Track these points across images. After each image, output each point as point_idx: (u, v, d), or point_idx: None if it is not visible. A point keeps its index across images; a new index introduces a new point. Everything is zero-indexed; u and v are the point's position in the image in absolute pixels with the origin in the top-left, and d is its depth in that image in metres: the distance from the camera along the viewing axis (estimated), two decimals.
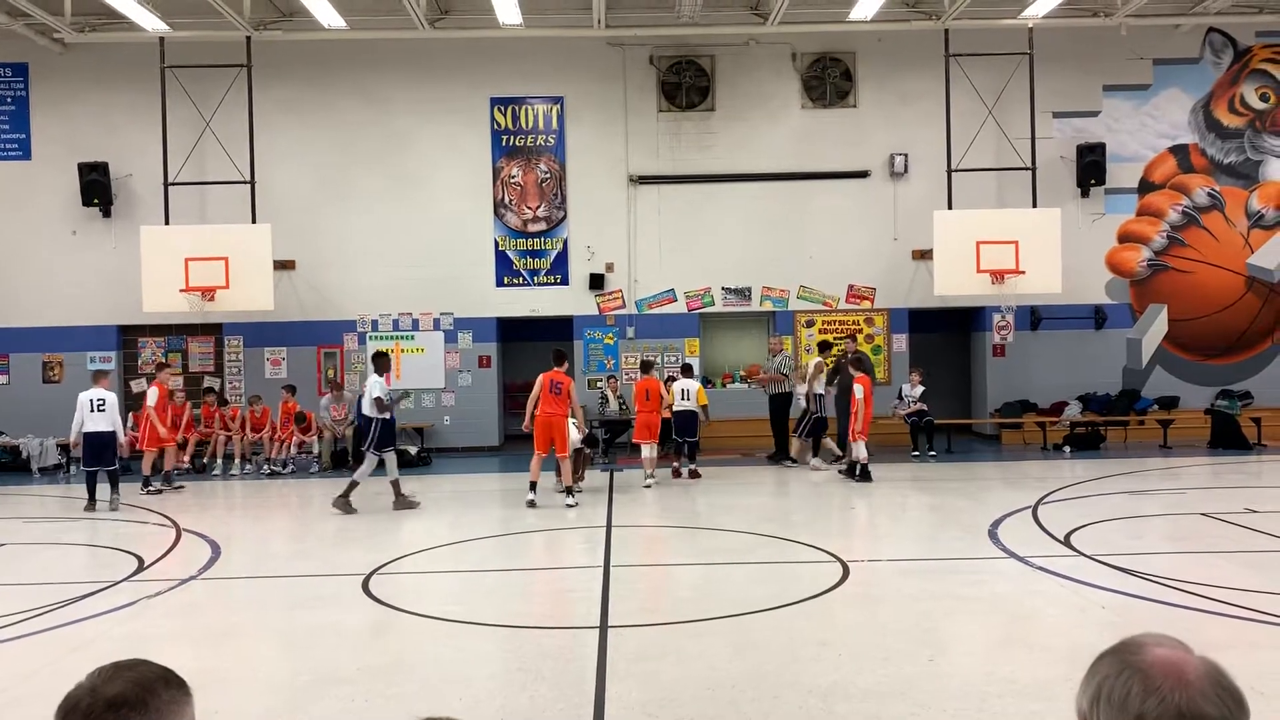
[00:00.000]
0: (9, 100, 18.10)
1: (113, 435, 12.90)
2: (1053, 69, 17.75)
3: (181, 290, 16.06)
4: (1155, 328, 18.50)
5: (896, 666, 5.96)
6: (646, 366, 14.92)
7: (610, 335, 18.46)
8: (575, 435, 12.76)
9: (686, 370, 15.56)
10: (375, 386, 12.25)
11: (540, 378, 12.40)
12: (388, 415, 12.35)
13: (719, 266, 18.37)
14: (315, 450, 16.67)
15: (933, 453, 16.32)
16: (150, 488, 13.98)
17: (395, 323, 18.35)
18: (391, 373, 13.98)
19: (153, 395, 14.47)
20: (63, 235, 18.02)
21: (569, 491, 12.31)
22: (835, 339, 17.55)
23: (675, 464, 14.66)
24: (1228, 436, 16.84)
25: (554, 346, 13.56)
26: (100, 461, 12.77)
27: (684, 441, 14.57)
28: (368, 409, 12.32)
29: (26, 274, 17.97)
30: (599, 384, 17.75)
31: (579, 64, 18.17)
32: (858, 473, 13.66)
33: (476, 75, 18.14)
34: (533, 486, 12.17)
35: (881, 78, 18.33)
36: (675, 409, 14.55)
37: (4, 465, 17.02)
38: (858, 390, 13.85)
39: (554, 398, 12.22)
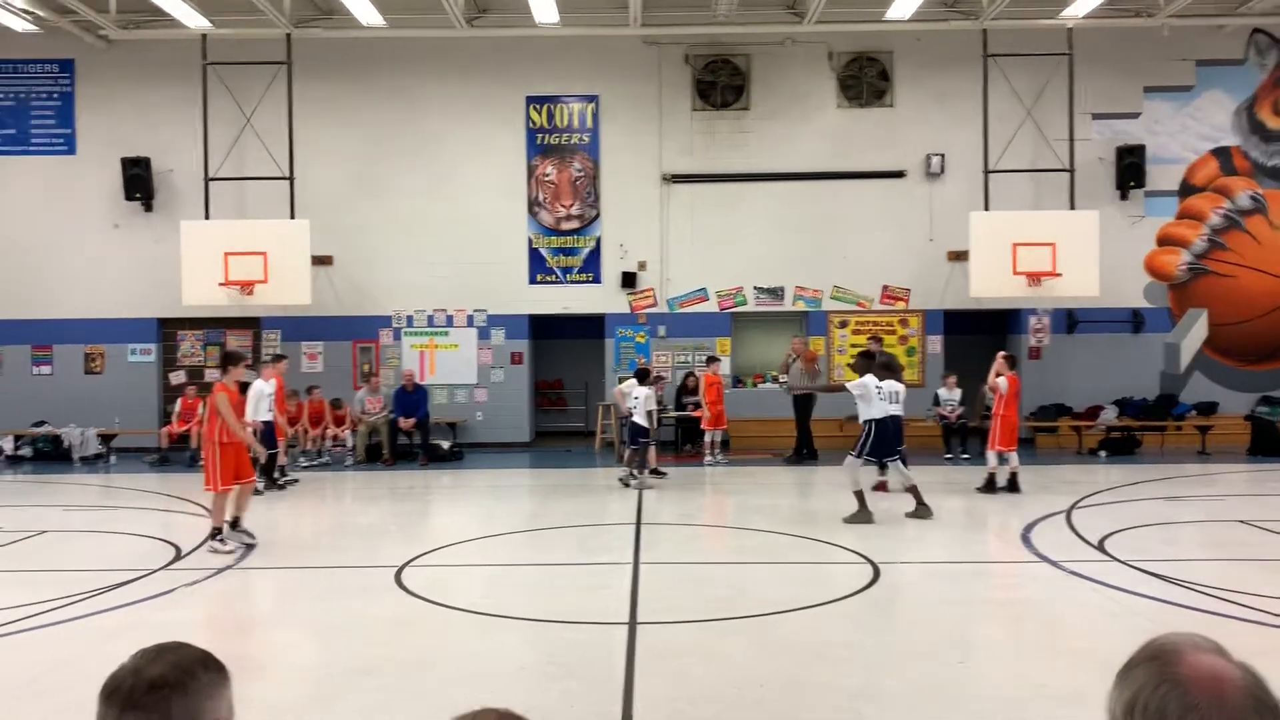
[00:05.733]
0: (55, 96, 18.42)
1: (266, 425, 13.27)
2: (1093, 70, 17.55)
3: (221, 284, 16.26)
4: (1195, 332, 18.24)
5: (926, 669, 5.93)
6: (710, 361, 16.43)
7: (641, 334, 18.47)
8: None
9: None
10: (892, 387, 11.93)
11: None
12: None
13: (751, 266, 18.33)
14: (349, 444, 16.82)
15: (965, 455, 16.20)
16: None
17: (430, 319, 18.48)
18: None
19: None
20: (105, 229, 18.31)
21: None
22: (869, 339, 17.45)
23: (882, 477, 12.77)
24: (1268, 443, 16.57)
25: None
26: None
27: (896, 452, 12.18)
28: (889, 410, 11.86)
29: (70, 267, 18.27)
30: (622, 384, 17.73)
31: (614, 63, 18.20)
32: (1006, 484, 12.50)
33: (512, 74, 18.22)
34: None
35: (918, 77, 18.21)
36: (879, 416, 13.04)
37: (46, 454, 17.33)
38: (1002, 385, 12.48)
39: None
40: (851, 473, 10.96)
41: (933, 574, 8.65)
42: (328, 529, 11.61)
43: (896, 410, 12.50)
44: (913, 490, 10.99)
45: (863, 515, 10.63)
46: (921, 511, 10.90)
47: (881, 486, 12.75)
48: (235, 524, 9.75)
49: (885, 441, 11.03)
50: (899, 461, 11.21)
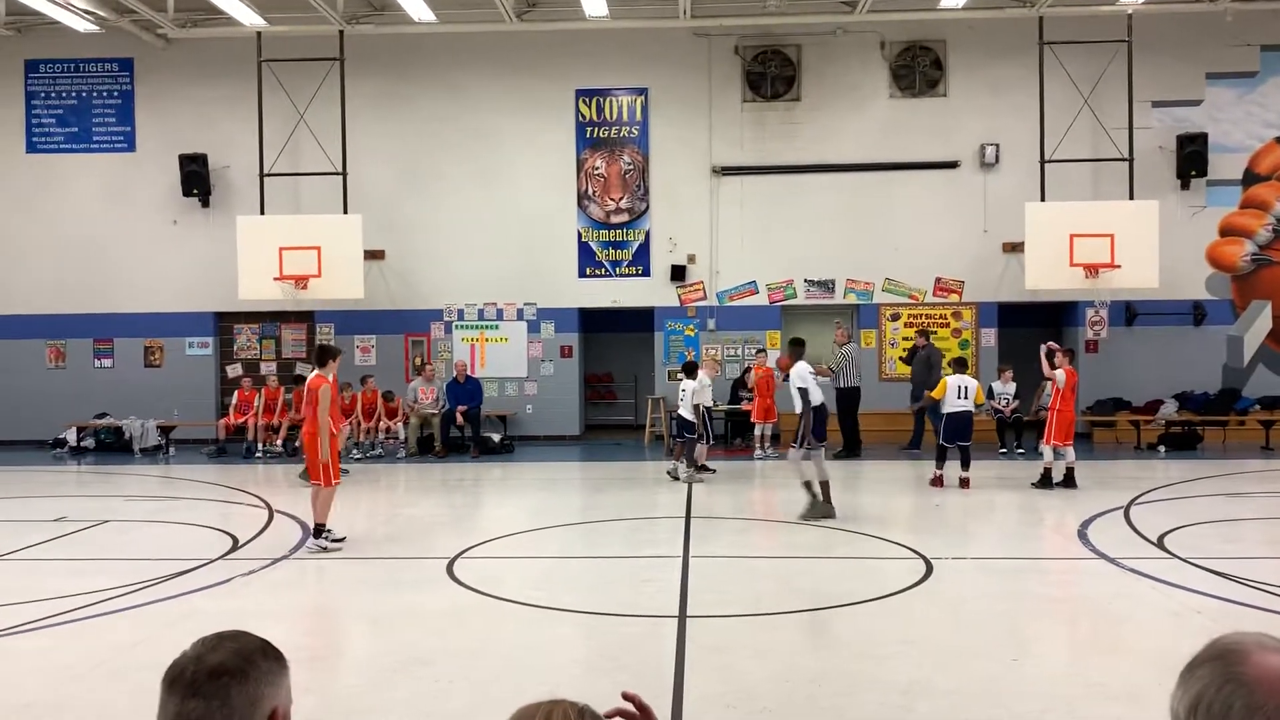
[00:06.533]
0: (115, 94, 18.81)
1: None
2: (1152, 57, 17.15)
3: (276, 278, 16.50)
4: (1258, 325, 17.79)
5: (979, 666, 5.86)
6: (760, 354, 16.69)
7: (691, 327, 18.44)
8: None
9: (961, 364, 13.53)
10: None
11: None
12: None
13: (802, 258, 18.20)
14: (401, 436, 17.00)
15: (1020, 450, 15.96)
16: None
17: (480, 312, 18.61)
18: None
19: None
20: (164, 224, 18.67)
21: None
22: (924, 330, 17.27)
23: (939, 471, 12.73)
24: None
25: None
26: None
27: (959, 446, 12.53)
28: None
29: (130, 261, 18.66)
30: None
31: (664, 55, 18.16)
32: (1061, 479, 12.30)
33: (561, 67, 18.26)
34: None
35: (973, 66, 17.95)
36: (950, 410, 12.59)
37: (108, 445, 17.73)
38: (1060, 377, 12.34)
39: None
40: (818, 465, 10.67)
41: (986, 570, 8.53)
42: (382, 520, 11.75)
43: (966, 406, 12.51)
44: (823, 485, 10.61)
45: (824, 508, 10.48)
46: (822, 509, 10.48)
47: (937, 481, 12.64)
48: (319, 530, 9.54)
49: (824, 425, 10.75)
50: (821, 451, 10.77)
